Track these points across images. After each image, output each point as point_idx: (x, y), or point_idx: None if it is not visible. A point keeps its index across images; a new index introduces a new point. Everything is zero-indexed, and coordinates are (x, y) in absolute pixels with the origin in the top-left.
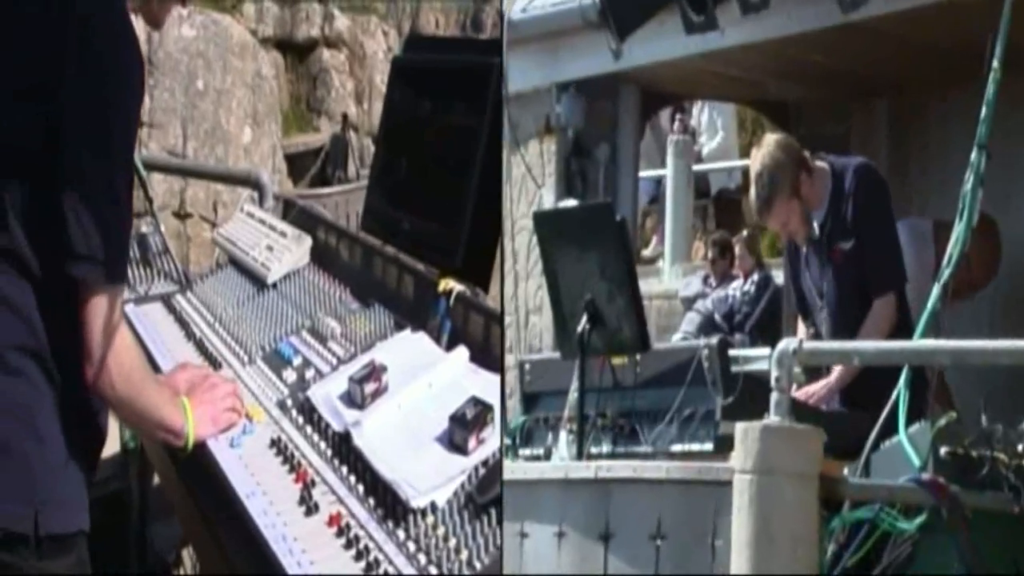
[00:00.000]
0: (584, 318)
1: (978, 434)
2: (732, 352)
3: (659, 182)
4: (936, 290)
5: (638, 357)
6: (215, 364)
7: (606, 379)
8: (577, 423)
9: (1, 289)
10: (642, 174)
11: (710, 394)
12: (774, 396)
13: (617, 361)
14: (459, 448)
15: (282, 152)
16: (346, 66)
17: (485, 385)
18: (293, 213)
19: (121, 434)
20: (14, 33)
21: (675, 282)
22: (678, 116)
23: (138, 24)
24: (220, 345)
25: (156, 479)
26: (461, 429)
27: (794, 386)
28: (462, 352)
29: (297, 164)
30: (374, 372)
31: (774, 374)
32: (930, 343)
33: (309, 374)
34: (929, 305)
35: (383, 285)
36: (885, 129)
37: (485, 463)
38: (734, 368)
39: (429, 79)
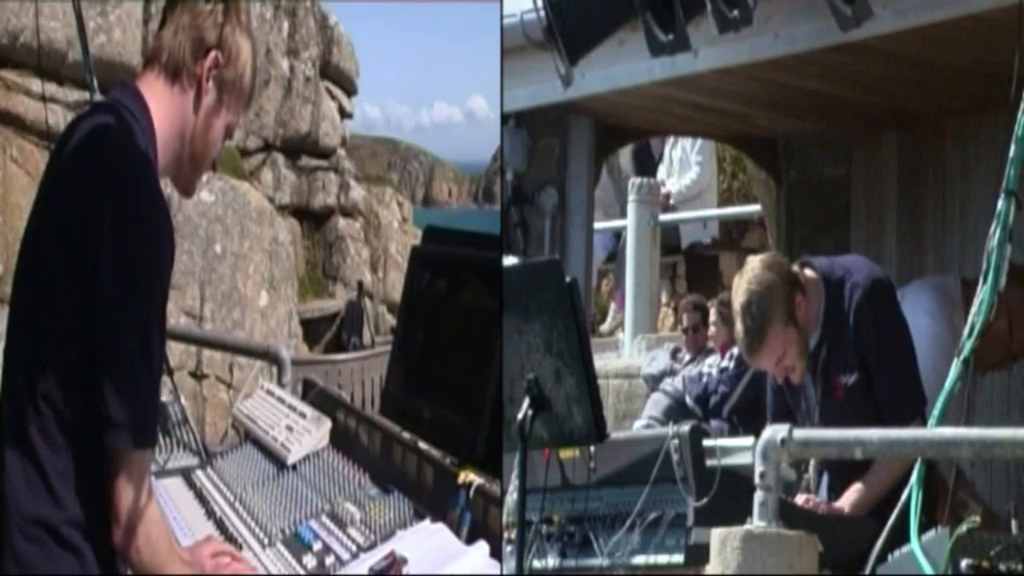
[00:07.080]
0: (525, 402)
1: (1007, 544)
2: (707, 442)
3: (618, 235)
4: (956, 367)
5: (592, 450)
6: (235, 544)
7: (553, 477)
8: (517, 531)
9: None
10: (597, 225)
11: (680, 494)
12: (759, 496)
13: (566, 455)
14: None
15: (298, 317)
16: (361, 234)
17: None
18: (312, 394)
19: None
20: (54, 210)
21: (637, 357)
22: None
23: (164, 190)
24: (240, 526)
25: None
26: None
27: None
28: (482, 547)
29: (312, 329)
30: (394, 564)
31: (758, 469)
32: (949, 431)
33: (329, 560)
34: (948, 384)
35: (402, 473)
36: (894, 170)
37: None
38: (709, 462)
39: (446, 266)
